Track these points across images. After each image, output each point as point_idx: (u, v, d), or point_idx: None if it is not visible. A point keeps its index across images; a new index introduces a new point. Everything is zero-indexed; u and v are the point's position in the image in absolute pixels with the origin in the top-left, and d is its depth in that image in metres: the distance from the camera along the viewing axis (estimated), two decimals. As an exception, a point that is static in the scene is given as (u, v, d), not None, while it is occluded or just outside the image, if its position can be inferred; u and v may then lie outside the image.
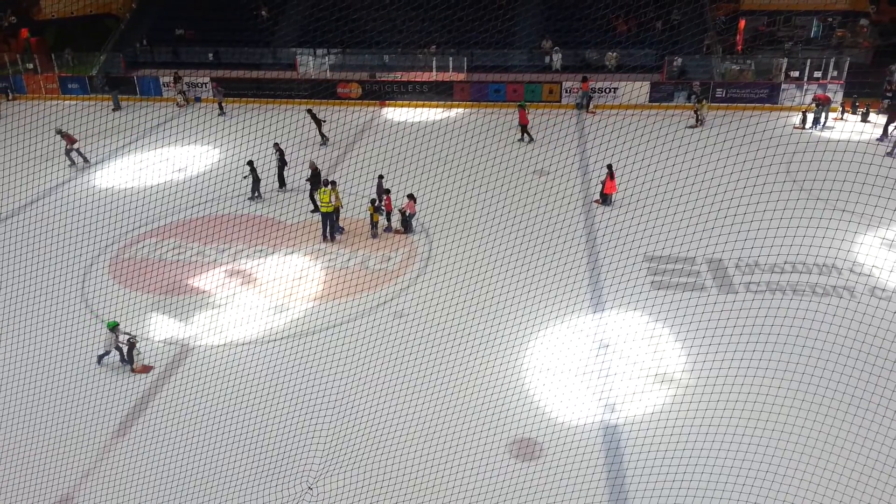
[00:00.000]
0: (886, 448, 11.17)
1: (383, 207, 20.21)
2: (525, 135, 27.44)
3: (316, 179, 21.60)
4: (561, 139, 27.53)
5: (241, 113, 29.45)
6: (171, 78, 33.81)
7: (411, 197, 19.99)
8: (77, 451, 12.03)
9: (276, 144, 23.26)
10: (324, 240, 19.83)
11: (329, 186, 19.54)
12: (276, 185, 23.30)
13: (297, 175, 23.41)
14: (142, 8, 40.07)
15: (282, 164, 23.13)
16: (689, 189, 21.29)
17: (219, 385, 13.62)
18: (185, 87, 33.63)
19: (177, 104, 33.70)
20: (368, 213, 20.03)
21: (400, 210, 20.19)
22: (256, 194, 22.60)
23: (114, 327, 14.18)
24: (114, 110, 33.02)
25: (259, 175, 22.50)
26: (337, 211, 19.94)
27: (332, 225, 19.80)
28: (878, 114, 28.23)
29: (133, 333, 14.60)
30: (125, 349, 14.26)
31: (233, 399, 13.31)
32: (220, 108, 32.22)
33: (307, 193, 22.12)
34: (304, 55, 35.33)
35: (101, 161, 26.66)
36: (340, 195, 20.43)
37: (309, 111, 27.18)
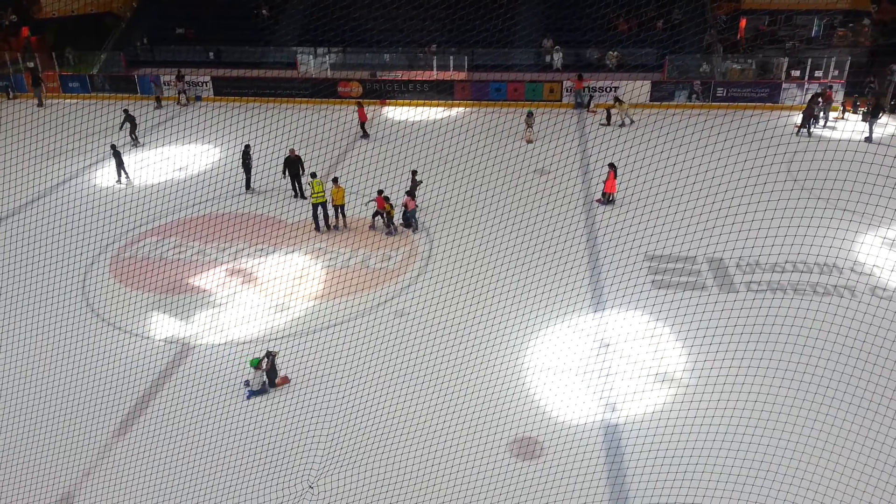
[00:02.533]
0: (888, 447, 11.16)
1: (400, 205, 20.42)
2: (363, 131, 27.96)
3: (292, 166, 22.06)
4: (562, 138, 27.51)
5: (242, 112, 29.47)
6: (175, 76, 33.78)
7: (410, 194, 20.09)
8: (78, 449, 12.02)
9: (246, 145, 23.28)
10: (317, 230, 20.08)
11: (325, 179, 19.94)
12: (244, 186, 23.35)
13: (268, 177, 23.43)
14: (142, 7, 40.05)
15: (247, 167, 23.11)
16: (690, 188, 21.24)
17: (219, 384, 13.63)
18: (185, 87, 33.60)
19: (178, 103, 33.68)
20: (385, 209, 20.04)
21: (403, 204, 20.29)
22: (122, 175, 24.23)
23: (257, 364, 13.34)
24: (38, 106, 33.22)
25: (122, 159, 24.10)
26: (342, 207, 20.29)
27: (325, 215, 20.09)
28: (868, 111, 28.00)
29: (270, 349, 13.91)
30: (269, 368, 13.51)
31: (233, 398, 13.32)
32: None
33: (289, 184, 22.67)
34: (305, 54, 35.32)
35: (102, 160, 26.64)
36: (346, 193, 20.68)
37: (125, 111, 27.93)
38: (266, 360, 13.42)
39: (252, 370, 13.41)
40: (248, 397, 13.38)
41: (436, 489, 10.91)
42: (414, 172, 21.23)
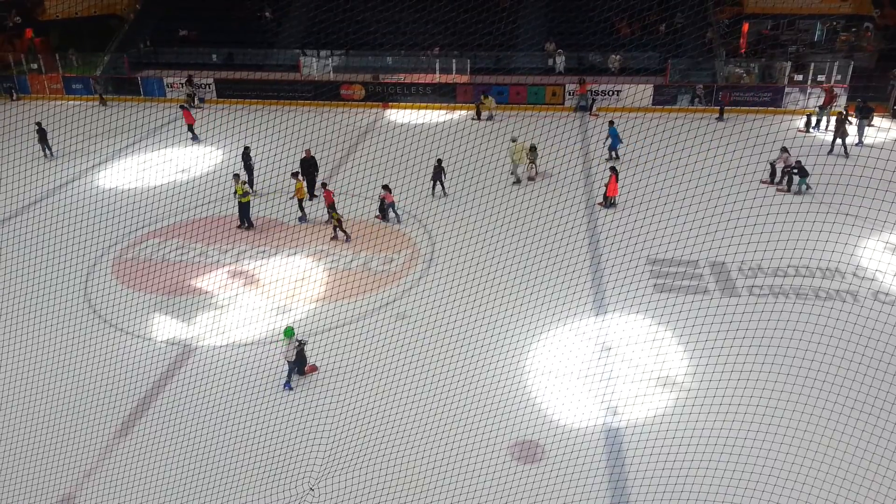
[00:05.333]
0: (890, 452, 11.14)
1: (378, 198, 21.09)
2: (192, 134, 28.61)
3: (307, 166, 22.15)
4: (564, 142, 27.51)
5: (245, 114, 29.52)
6: (185, 81, 33.84)
7: (386, 188, 20.60)
8: (79, 450, 12.03)
9: (246, 147, 23.40)
10: (241, 227, 20.68)
11: (328, 180, 20.53)
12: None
13: (271, 179, 23.45)
14: (146, 9, 40.13)
15: (249, 168, 23.19)
16: (693, 192, 21.20)
17: (221, 385, 13.62)
18: (195, 90, 33.60)
19: (189, 105, 33.73)
20: (334, 217, 19.97)
21: (381, 198, 20.93)
22: (46, 150, 26.80)
23: (291, 334, 13.42)
24: None
25: (46, 136, 26.59)
26: (302, 201, 20.92)
27: (244, 214, 20.60)
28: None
29: (301, 338, 13.94)
30: (297, 359, 13.60)
31: (235, 399, 13.31)
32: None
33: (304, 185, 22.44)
34: (308, 57, 35.37)
35: (105, 161, 26.71)
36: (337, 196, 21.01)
37: None
38: (296, 345, 13.51)
39: (286, 340, 13.47)
40: (286, 387, 13.67)
41: (436, 492, 10.90)
42: (439, 161, 22.30)
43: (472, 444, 11.79)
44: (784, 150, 22.79)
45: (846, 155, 24.73)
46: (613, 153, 25.09)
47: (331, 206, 20.61)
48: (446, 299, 16.06)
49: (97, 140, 28.43)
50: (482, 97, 31.31)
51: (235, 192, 20.61)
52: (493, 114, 31.13)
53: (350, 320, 16.01)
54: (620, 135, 25.07)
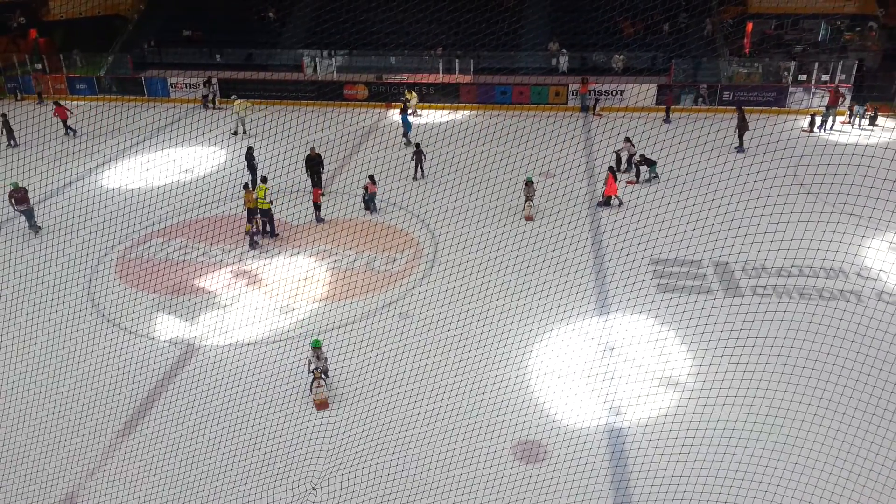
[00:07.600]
0: (893, 453, 11.10)
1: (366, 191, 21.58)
2: (68, 129, 29.34)
3: (313, 164, 22.04)
4: (567, 141, 27.49)
5: (249, 114, 29.57)
6: (203, 82, 33.86)
7: (371, 178, 21.22)
8: (82, 449, 12.05)
9: (249, 147, 23.42)
10: (271, 237, 19.86)
11: (329, 181, 20.07)
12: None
13: (280, 178, 23.43)
14: (150, 9, 40.23)
15: (252, 168, 23.13)
16: (696, 191, 21.19)
17: (224, 385, 13.64)
18: (210, 91, 33.60)
19: (204, 106, 33.77)
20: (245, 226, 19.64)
21: (364, 188, 21.47)
22: (11, 140, 28.00)
23: (318, 345, 13.31)
24: None
25: (10, 126, 27.93)
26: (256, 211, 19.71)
27: (270, 222, 19.81)
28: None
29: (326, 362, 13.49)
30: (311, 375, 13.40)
31: (238, 399, 13.33)
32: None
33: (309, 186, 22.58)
34: (311, 57, 35.41)
35: (109, 161, 26.76)
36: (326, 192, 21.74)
37: None
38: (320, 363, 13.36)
39: (311, 350, 13.34)
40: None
41: (439, 491, 10.89)
42: (418, 145, 23.41)
43: (475, 444, 11.79)
44: (627, 140, 23.32)
45: (741, 150, 25.14)
46: (406, 139, 27.29)
47: (316, 206, 20.70)
48: (449, 299, 16.06)
49: (100, 139, 28.50)
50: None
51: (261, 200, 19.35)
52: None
53: (353, 320, 16.01)
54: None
